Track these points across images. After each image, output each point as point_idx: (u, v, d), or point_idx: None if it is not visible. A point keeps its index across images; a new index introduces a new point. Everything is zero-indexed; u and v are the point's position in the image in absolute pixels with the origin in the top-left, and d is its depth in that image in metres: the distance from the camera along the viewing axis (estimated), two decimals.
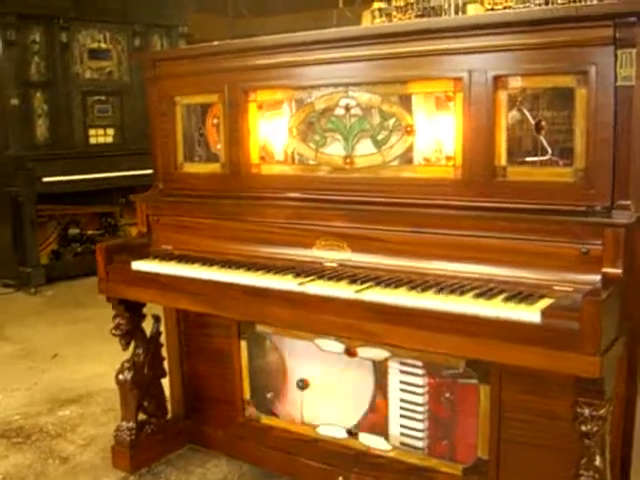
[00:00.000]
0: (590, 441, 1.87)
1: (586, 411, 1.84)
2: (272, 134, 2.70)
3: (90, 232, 6.78)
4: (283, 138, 2.64)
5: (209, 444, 3.08)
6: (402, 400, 2.50)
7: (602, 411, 1.83)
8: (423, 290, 2.07)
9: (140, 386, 2.94)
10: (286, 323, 2.38)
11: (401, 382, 2.49)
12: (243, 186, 2.67)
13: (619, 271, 1.91)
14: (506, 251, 2.08)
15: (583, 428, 1.85)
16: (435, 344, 1.98)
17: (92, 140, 6.65)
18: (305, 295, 2.21)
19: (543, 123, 2.09)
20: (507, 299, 1.94)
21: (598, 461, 1.89)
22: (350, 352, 2.55)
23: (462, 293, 2.02)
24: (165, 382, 3.13)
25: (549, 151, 2.10)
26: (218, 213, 2.69)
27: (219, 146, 2.77)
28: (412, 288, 2.09)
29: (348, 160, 2.45)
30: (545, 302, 1.91)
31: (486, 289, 2.04)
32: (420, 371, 2.45)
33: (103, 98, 6.71)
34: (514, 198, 2.11)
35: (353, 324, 2.11)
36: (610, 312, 1.80)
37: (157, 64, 2.88)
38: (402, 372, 2.49)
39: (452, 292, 2.03)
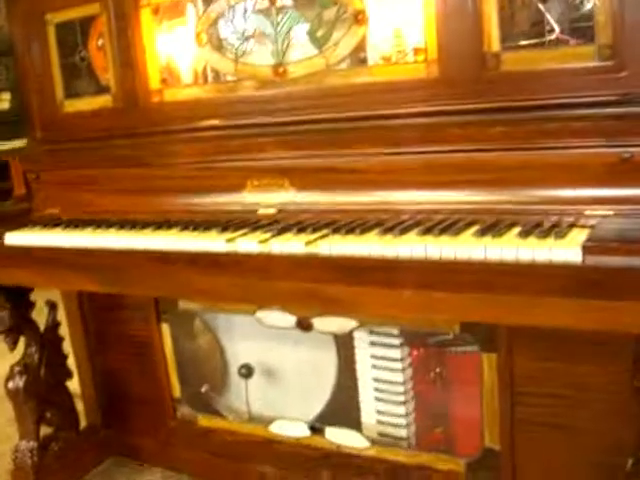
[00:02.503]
0: None
1: None
2: (175, 48, 2.10)
3: None
4: (190, 51, 2.05)
5: (137, 455, 2.54)
6: (375, 380, 2.02)
7: None
8: (401, 232, 1.49)
9: (38, 394, 2.35)
10: (214, 297, 1.80)
11: (372, 357, 2.00)
12: (143, 120, 2.10)
13: None
14: (508, 168, 1.54)
15: None
16: (431, 308, 1.39)
17: None
18: (237, 256, 1.60)
19: None
20: (523, 234, 1.37)
21: None
22: (303, 325, 2.03)
23: (458, 232, 1.44)
24: (75, 384, 2.56)
25: (556, 28, 1.52)
26: (113, 159, 2.10)
27: (108, 74, 2.14)
28: (385, 232, 1.52)
29: (280, 69, 1.87)
30: (578, 233, 1.35)
31: (489, 223, 1.47)
32: (396, 341, 1.95)
33: None
34: (514, 95, 1.56)
35: (308, 289, 1.53)
36: None
37: None
38: (373, 344, 1.99)
39: (443, 231, 1.45)
